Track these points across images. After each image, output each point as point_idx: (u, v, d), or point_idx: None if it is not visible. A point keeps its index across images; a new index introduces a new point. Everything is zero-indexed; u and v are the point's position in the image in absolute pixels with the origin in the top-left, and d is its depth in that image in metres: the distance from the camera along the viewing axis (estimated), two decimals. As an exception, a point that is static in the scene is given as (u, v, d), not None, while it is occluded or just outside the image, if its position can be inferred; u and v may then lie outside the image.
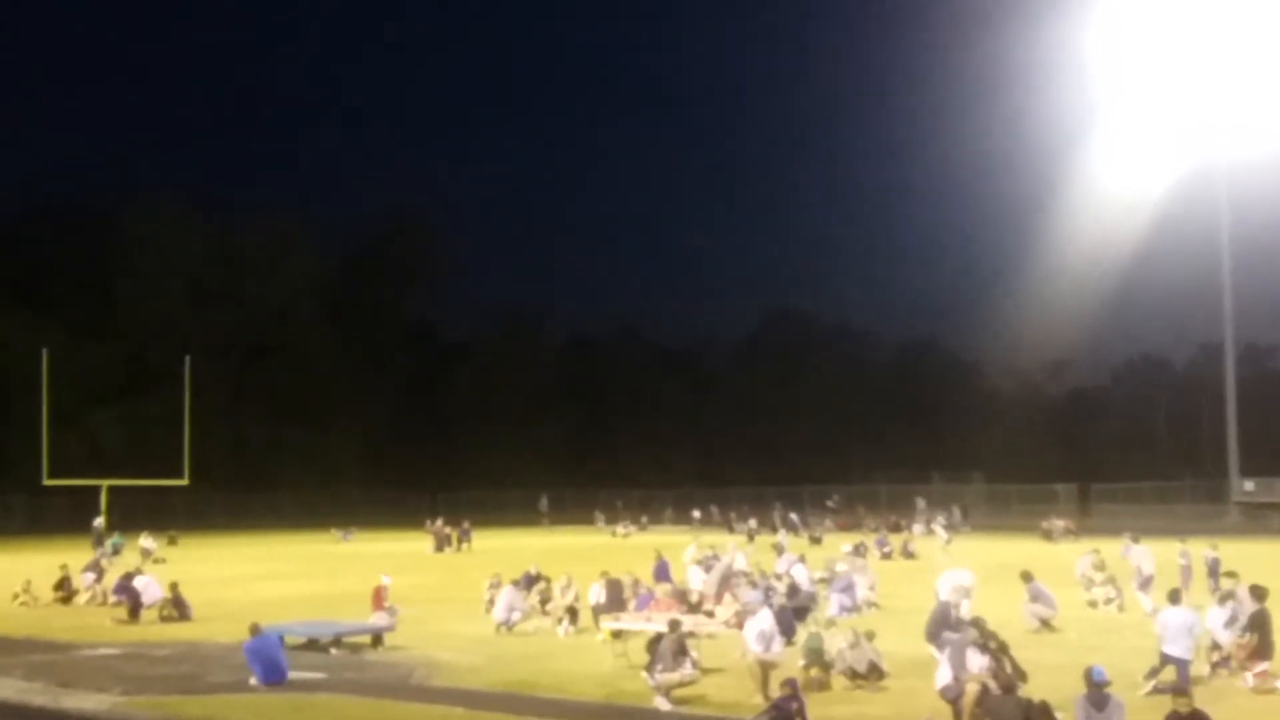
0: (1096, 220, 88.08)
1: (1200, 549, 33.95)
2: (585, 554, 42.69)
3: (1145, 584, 30.09)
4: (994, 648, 17.58)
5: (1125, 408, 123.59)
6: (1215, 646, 20.41)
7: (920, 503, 73.28)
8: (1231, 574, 21.26)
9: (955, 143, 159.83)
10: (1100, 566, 32.84)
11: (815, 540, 57.49)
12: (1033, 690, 15.79)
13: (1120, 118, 79.28)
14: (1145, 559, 30.96)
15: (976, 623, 18.65)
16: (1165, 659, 19.41)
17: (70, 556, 40.39)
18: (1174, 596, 20.96)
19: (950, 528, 60.91)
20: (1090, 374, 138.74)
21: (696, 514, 79.82)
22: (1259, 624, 20.04)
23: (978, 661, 17.19)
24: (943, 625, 20.85)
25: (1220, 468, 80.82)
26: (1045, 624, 26.14)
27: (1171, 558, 31.71)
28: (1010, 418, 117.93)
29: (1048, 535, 59.49)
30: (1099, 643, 24.09)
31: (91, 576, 36.23)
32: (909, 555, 49.94)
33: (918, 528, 63.77)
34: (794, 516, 69.59)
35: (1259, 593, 20.74)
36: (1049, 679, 17.49)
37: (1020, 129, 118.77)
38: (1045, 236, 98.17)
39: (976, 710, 15.86)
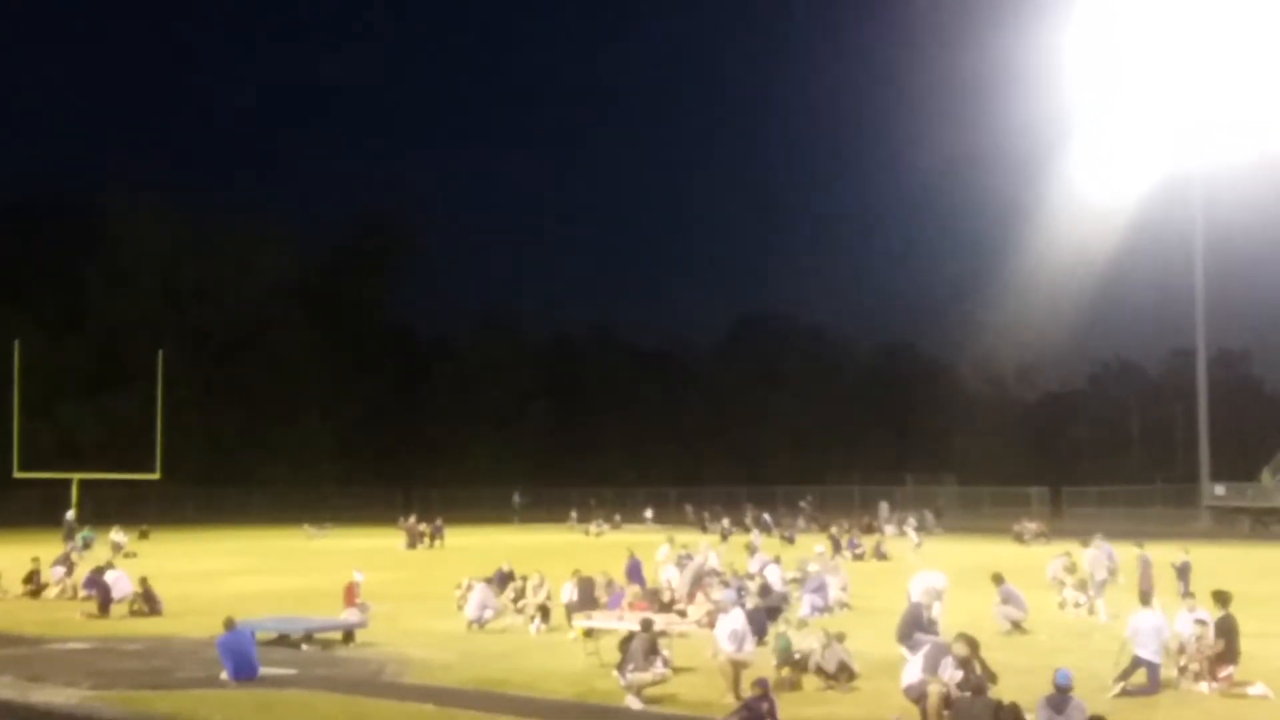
0: (1072, 225, 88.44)
1: (1167, 553, 34.13)
2: (558, 552, 42.70)
3: (1098, 589, 30.33)
4: (963, 656, 17.65)
5: (1098, 412, 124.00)
6: (1182, 650, 20.52)
7: (884, 507, 73.35)
8: (1221, 593, 21.27)
9: (931, 146, 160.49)
10: (1071, 569, 32.99)
11: (788, 540, 57.61)
12: (1003, 692, 15.87)
13: (1097, 123, 79.76)
14: (1099, 563, 31.17)
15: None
16: (1136, 662, 19.53)
17: (41, 550, 40.22)
18: (1144, 599, 21.08)
19: (922, 529, 61.03)
20: (1064, 378, 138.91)
21: (649, 513, 79.58)
22: (1225, 629, 20.14)
23: (950, 670, 17.27)
24: (914, 626, 20.91)
25: (1192, 472, 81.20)
26: (1016, 626, 26.23)
27: (1131, 560, 31.83)
28: (984, 421, 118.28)
29: (1019, 538, 59.66)
30: (1069, 645, 24.20)
31: (61, 570, 36.07)
32: (881, 556, 50.06)
33: (889, 529, 63.93)
34: (766, 516, 69.63)
35: (1223, 598, 20.83)
36: (1019, 680, 17.56)
37: (997, 133, 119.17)
38: (1021, 241, 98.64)
39: (945, 713, 15.91)
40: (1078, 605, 30.15)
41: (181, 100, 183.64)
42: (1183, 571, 31.98)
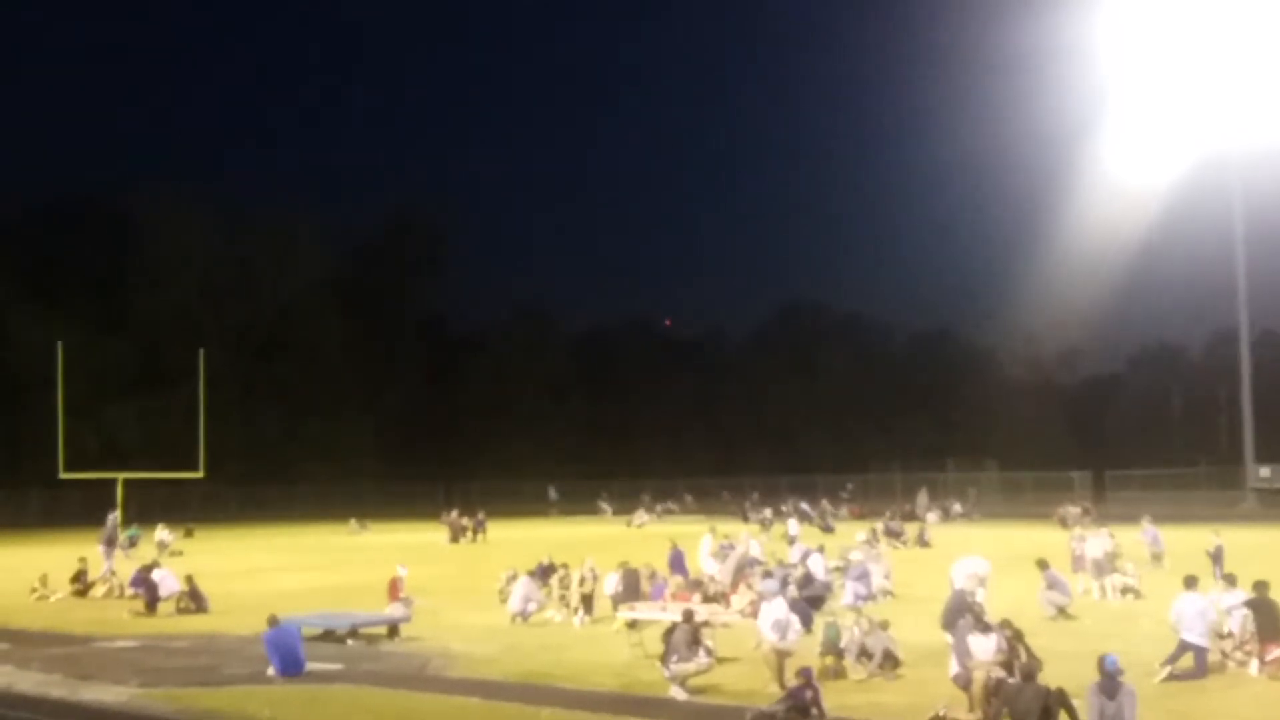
0: (1110, 207, 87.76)
1: (1200, 538, 34.02)
2: (600, 544, 42.70)
3: (1097, 570, 30.40)
4: (1010, 635, 17.61)
5: (1140, 395, 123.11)
6: (1229, 634, 20.40)
7: (923, 494, 72.94)
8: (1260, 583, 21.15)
9: (968, 131, 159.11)
10: (1115, 554, 32.75)
11: (828, 530, 57.54)
12: (1050, 678, 15.78)
13: (1134, 103, 78.92)
14: (1094, 545, 31.27)
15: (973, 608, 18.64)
16: (1183, 646, 19.41)
17: (87, 549, 40.52)
18: (1189, 583, 20.93)
19: (960, 515, 60.77)
20: (1105, 361, 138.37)
21: (673, 505, 79.40)
22: (1266, 612, 19.99)
23: (981, 645, 17.20)
24: (959, 613, 20.82)
25: (1236, 454, 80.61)
26: (1061, 611, 26.11)
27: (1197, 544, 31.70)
28: (1024, 406, 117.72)
29: (1063, 522, 59.33)
30: (1115, 630, 24.09)
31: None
32: (924, 544, 49.90)
33: (931, 516, 63.71)
34: (805, 506, 69.59)
35: (1260, 586, 20.66)
36: (1065, 667, 17.46)
37: (1033, 116, 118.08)
38: (1059, 224, 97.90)
39: (993, 699, 15.85)
40: (1125, 591, 29.95)
41: (215, 98, 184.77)
42: (1216, 556, 31.82)
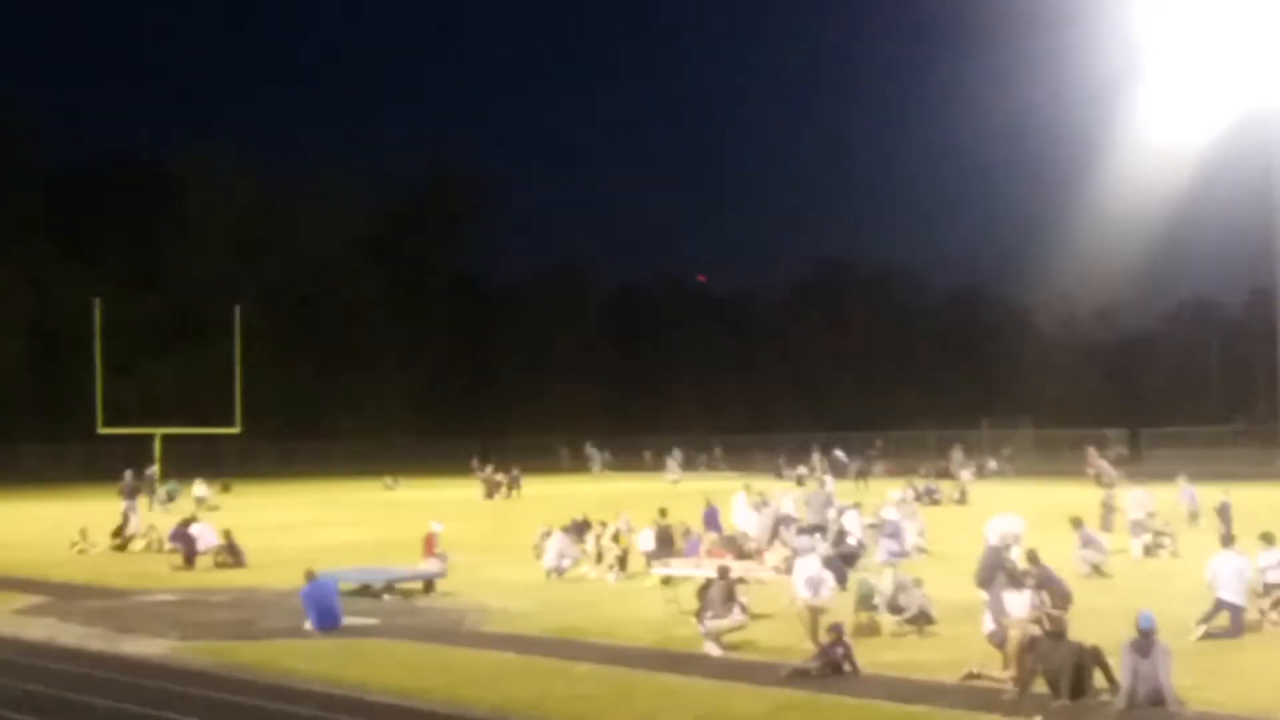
0: (1147, 163, 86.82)
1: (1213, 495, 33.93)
2: (635, 500, 42.80)
3: (1136, 529, 30.33)
4: (1032, 583, 17.66)
5: (1176, 352, 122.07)
6: (1266, 591, 20.34)
7: (958, 451, 72.54)
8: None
9: (1004, 87, 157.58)
10: (1153, 512, 32.61)
11: (862, 478, 57.59)
12: (1085, 635, 15.77)
13: (1170, 59, 77.92)
14: (1142, 503, 31.17)
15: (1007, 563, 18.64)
16: (1218, 604, 19.36)
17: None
18: (1225, 541, 20.86)
19: (995, 472, 60.44)
20: (1141, 318, 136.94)
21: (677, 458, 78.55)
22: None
23: (1017, 602, 17.18)
24: (994, 570, 20.79)
25: (1273, 412, 79.83)
26: (1097, 569, 26.06)
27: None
28: (1060, 363, 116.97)
29: (1097, 479, 58.92)
30: (1150, 588, 24.02)
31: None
32: (961, 501, 49.84)
33: (965, 474, 63.46)
34: (839, 453, 69.55)
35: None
36: (1101, 624, 17.45)
37: (1070, 72, 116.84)
38: (1095, 180, 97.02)
39: (1026, 656, 15.85)
40: (1159, 547, 29.86)
41: (251, 54, 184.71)
42: (1223, 512, 31.64)
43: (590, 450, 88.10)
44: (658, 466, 76.07)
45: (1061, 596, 20.03)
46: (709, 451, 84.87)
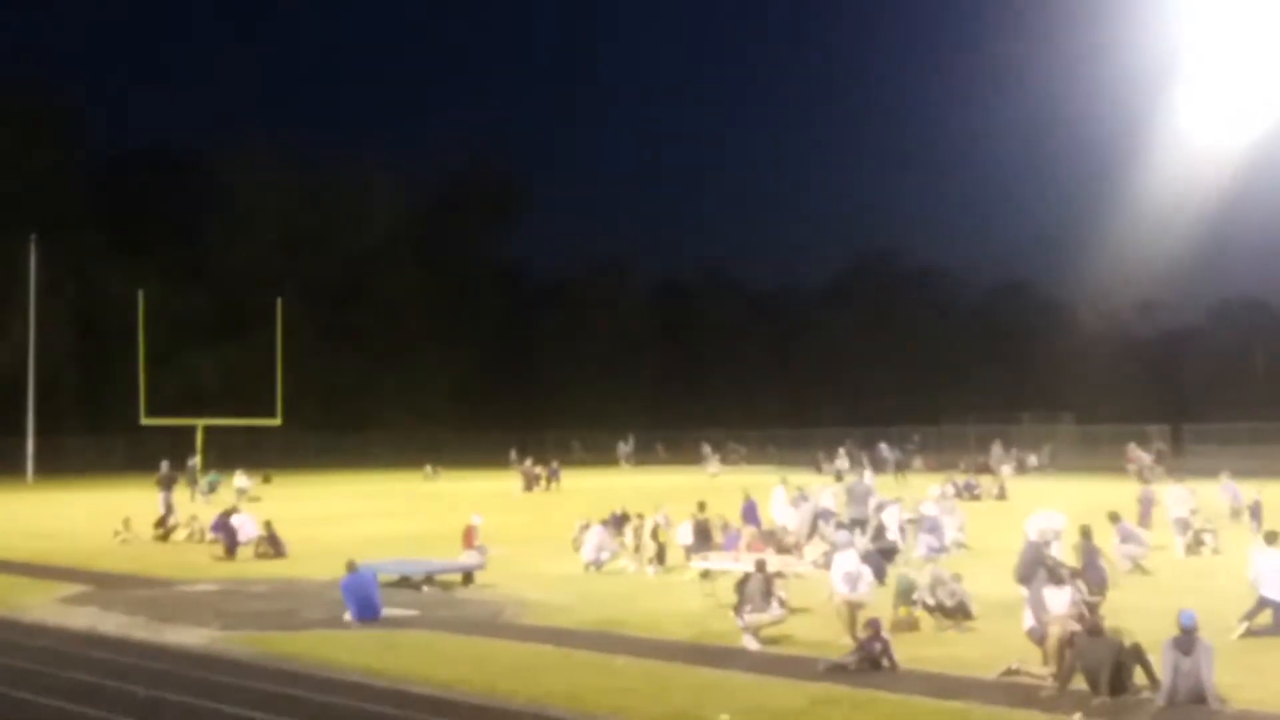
0: (1190, 159, 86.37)
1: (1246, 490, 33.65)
2: (674, 495, 42.80)
3: (1181, 528, 30.06)
4: (1066, 576, 17.61)
5: (1220, 348, 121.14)
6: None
7: (997, 446, 72.16)
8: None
9: (1045, 82, 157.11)
10: (1196, 509, 32.35)
11: (901, 471, 57.33)
12: (1126, 633, 15.67)
13: (1214, 54, 77.49)
14: (1182, 501, 30.87)
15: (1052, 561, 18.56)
16: (1261, 602, 19.20)
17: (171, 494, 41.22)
18: (1270, 538, 20.69)
19: (1035, 468, 60.11)
20: (1183, 314, 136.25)
21: (709, 450, 78.09)
22: None
23: (1056, 599, 17.11)
24: (1034, 566, 20.72)
25: (1318, 408, 79.28)
26: (1137, 565, 25.90)
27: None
28: (1102, 358, 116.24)
29: (1138, 475, 58.61)
30: (1192, 585, 23.87)
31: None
32: (1001, 496, 49.62)
33: (1005, 469, 63.16)
34: (883, 446, 69.41)
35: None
36: (1141, 621, 17.32)
37: (1112, 68, 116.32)
38: (1137, 174, 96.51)
39: (1066, 653, 15.78)
40: (1200, 545, 29.63)
41: (292, 48, 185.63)
42: (1255, 511, 31.38)
43: (622, 447, 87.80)
44: (700, 460, 76.04)
45: (1099, 584, 19.96)
46: (735, 448, 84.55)
